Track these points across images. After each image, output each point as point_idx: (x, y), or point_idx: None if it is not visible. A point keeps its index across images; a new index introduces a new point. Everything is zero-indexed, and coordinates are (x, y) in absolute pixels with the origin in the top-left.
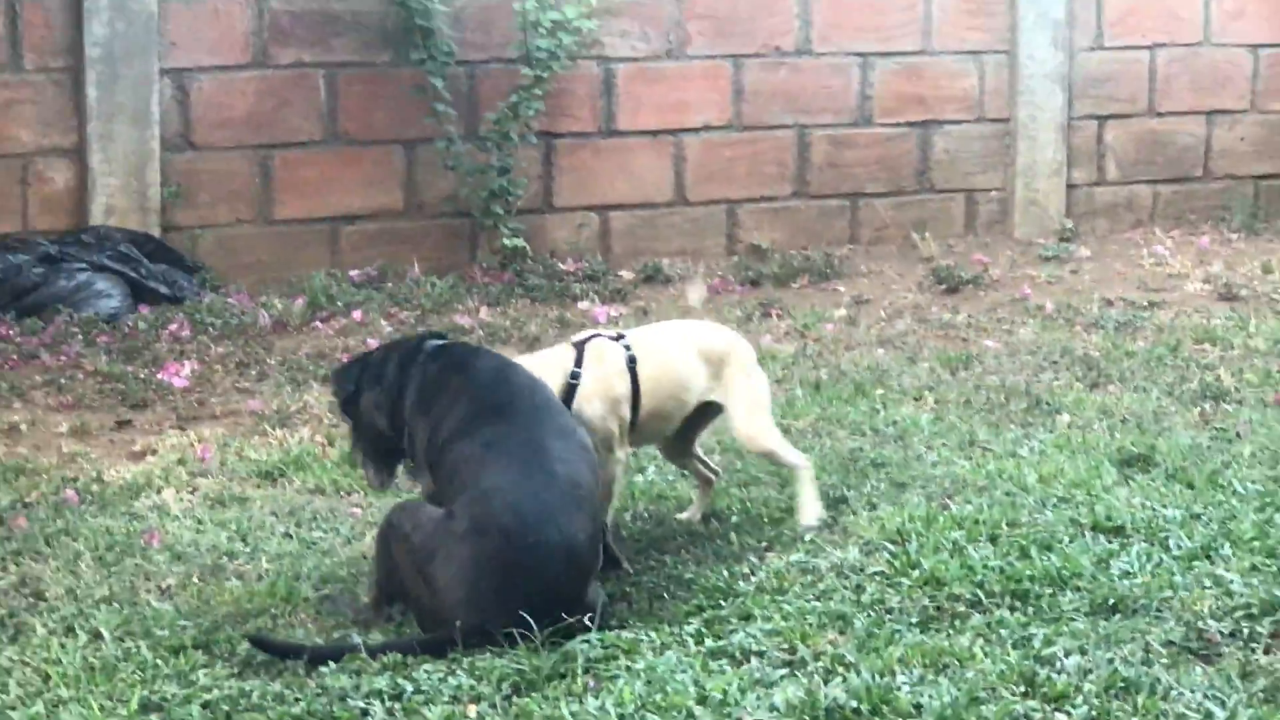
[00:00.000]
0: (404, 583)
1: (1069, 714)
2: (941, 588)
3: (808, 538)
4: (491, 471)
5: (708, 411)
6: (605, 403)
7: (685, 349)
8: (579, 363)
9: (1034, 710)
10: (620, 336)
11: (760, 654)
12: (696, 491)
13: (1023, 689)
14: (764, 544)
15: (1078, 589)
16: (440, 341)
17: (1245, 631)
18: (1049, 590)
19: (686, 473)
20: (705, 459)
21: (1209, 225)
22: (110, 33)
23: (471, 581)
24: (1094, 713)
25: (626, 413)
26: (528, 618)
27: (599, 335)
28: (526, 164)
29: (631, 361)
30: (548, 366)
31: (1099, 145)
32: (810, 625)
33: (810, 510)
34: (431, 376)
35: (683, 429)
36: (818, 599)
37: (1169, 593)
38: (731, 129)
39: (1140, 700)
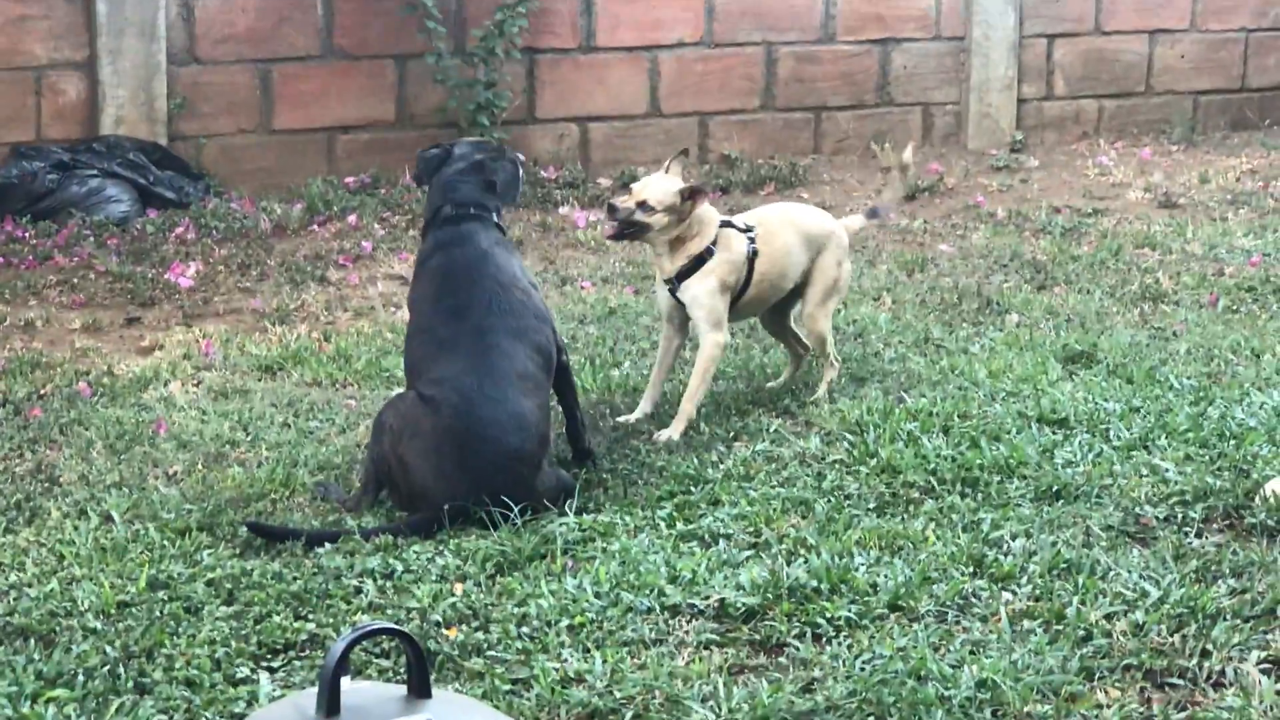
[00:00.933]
0: (390, 468)
1: (1014, 593)
2: (897, 475)
3: (824, 404)
4: (445, 364)
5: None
6: (721, 285)
7: (796, 239)
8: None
9: (982, 589)
10: (749, 229)
11: (727, 537)
12: (789, 364)
13: (971, 569)
14: (731, 434)
15: (1024, 477)
16: (462, 205)
17: (1179, 516)
18: (997, 478)
19: (781, 345)
20: (798, 333)
21: (1150, 138)
22: None
23: (432, 454)
24: (1038, 591)
25: (730, 298)
26: (485, 487)
27: (731, 223)
28: (511, 78)
29: (753, 254)
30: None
31: (1048, 62)
32: (774, 510)
33: (821, 390)
34: (429, 243)
35: (781, 303)
36: (781, 485)
37: (1109, 480)
38: (703, 45)
39: (1081, 580)
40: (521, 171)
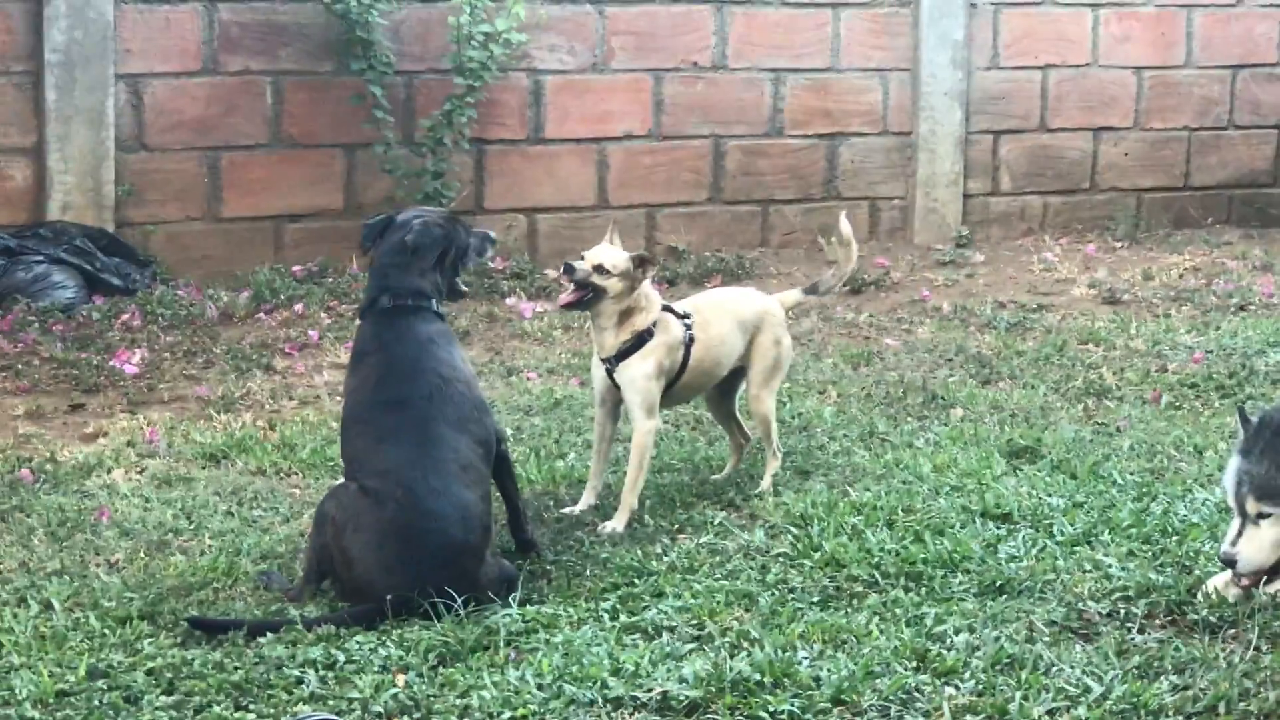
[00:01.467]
0: (332, 558)
1: (957, 688)
2: (841, 569)
3: (768, 497)
4: (387, 456)
5: (741, 373)
6: (658, 369)
7: (731, 325)
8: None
9: (925, 684)
10: (686, 316)
11: (671, 629)
12: (731, 455)
13: (915, 664)
14: (676, 526)
15: (967, 571)
16: (400, 296)
17: (1122, 612)
18: (941, 572)
19: (725, 434)
20: (741, 422)
21: (1095, 234)
22: (68, 39)
23: (376, 548)
24: (981, 686)
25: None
26: (429, 579)
27: (670, 308)
28: (459, 168)
29: (689, 340)
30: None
31: (994, 158)
32: (718, 603)
33: (765, 483)
34: (366, 333)
35: (726, 386)
36: (725, 578)
37: (1052, 575)
38: (652, 138)
39: (1024, 675)
40: (474, 240)
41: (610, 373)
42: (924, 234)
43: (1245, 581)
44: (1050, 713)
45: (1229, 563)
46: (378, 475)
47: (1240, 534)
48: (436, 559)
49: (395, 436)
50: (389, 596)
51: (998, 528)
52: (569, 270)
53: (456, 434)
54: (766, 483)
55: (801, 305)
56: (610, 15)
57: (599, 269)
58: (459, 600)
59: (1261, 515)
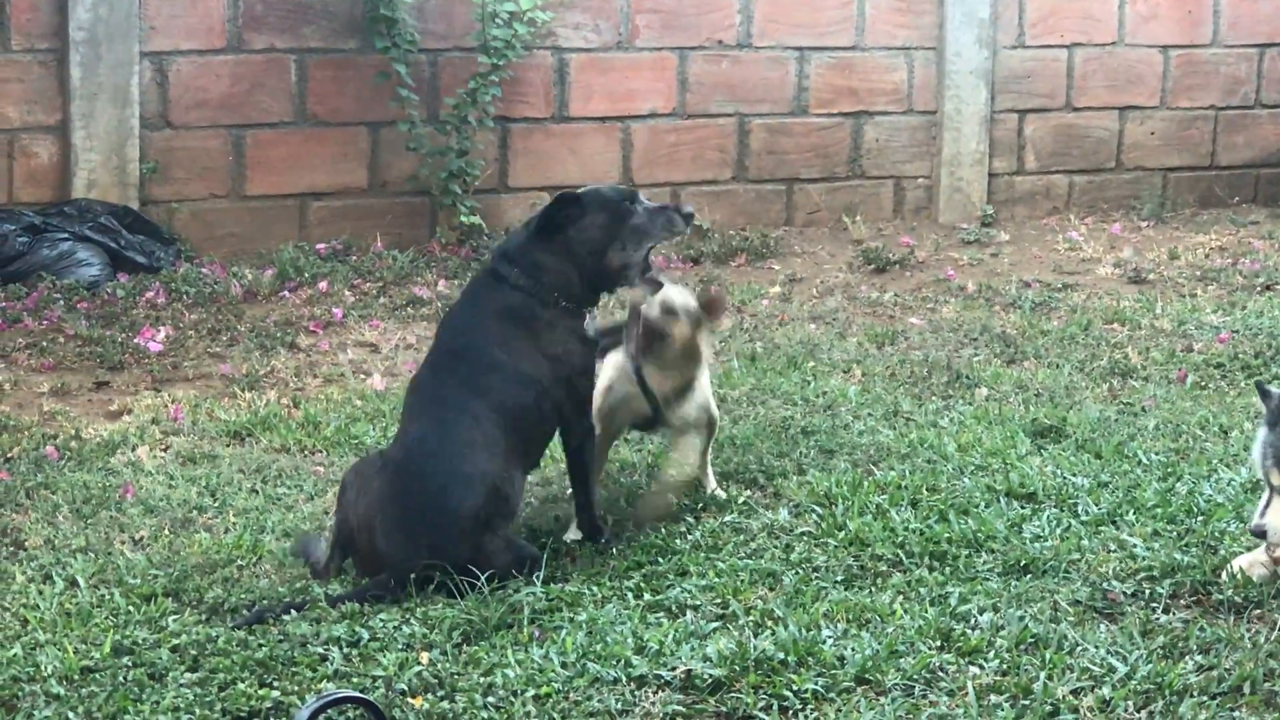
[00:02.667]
0: (349, 529)
1: (982, 667)
2: (865, 548)
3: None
4: (413, 425)
5: None
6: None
7: None
8: None
9: (949, 663)
10: None
11: (695, 608)
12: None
13: (939, 643)
14: (700, 505)
15: (992, 551)
16: (493, 266)
17: (1146, 592)
18: (965, 551)
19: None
20: None
21: (1120, 213)
22: (93, 17)
23: (377, 512)
24: (1005, 666)
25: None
26: (425, 544)
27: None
28: (483, 146)
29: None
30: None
31: (1019, 137)
32: (742, 581)
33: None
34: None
35: None
36: (749, 557)
37: (1076, 555)
38: (676, 116)
39: (1048, 655)
40: (647, 218)
41: (654, 405)
42: (949, 213)
43: (1278, 553)
44: (1074, 692)
45: (1259, 534)
46: (399, 442)
47: (1268, 505)
48: (430, 525)
49: (425, 405)
50: (400, 570)
51: (1022, 507)
52: (635, 315)
53: (488, 410)
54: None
55: None
56: None
57: (668, 309)
58: (461, 572)
59: None
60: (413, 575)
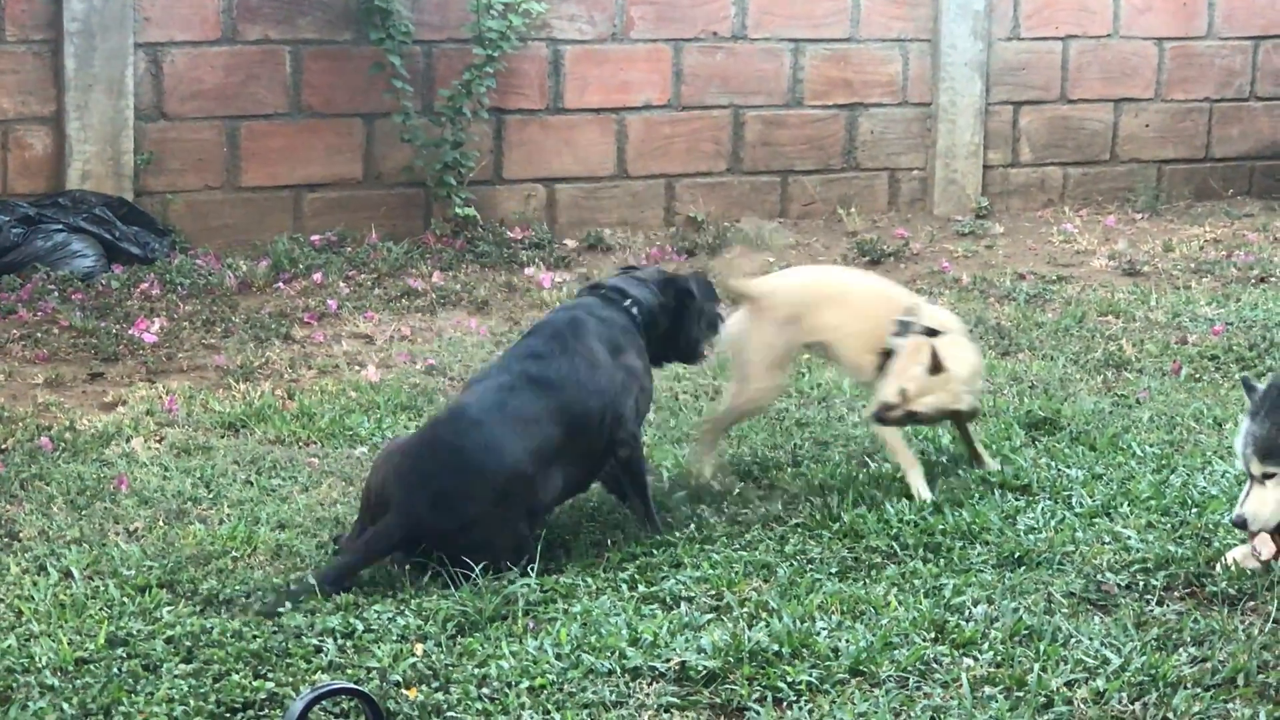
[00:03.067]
0: (373, 490)
1: (975, 659)
2: (859, 540)
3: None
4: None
5: None
6: None
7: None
8: None
9: (943, 655)
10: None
11: (689, 599)
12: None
13: (933, 635)
14: (695, 497)
15: (986, 543)
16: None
17: (1141, 584)
18: (959, 543)
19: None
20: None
21: (1115, 205)
22: (88, 7)
23: (401, 456)
24: (999, 658)
25: None
26: (436, 494)
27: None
28: (478, 138)
29: None
30: None
31: (1014, 129)
32: (736, 573)
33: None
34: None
35: None
36: (744, 549)
37: (1071, 547)
38: (671, 108)
39: (1042, 647)
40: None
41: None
42: (943, 205)
43: (1259, 544)
44: (1068, 684)
45: (1240, 525)
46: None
47: (1249, 495)
48: (449, 477)
49: (489, 385)
50: (402, 515)
51: (1016, 499)
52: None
53: (536, 394)
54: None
55: None
56: None
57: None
58: (450, 526)
59: (1267, 475)
60: (414, 525)
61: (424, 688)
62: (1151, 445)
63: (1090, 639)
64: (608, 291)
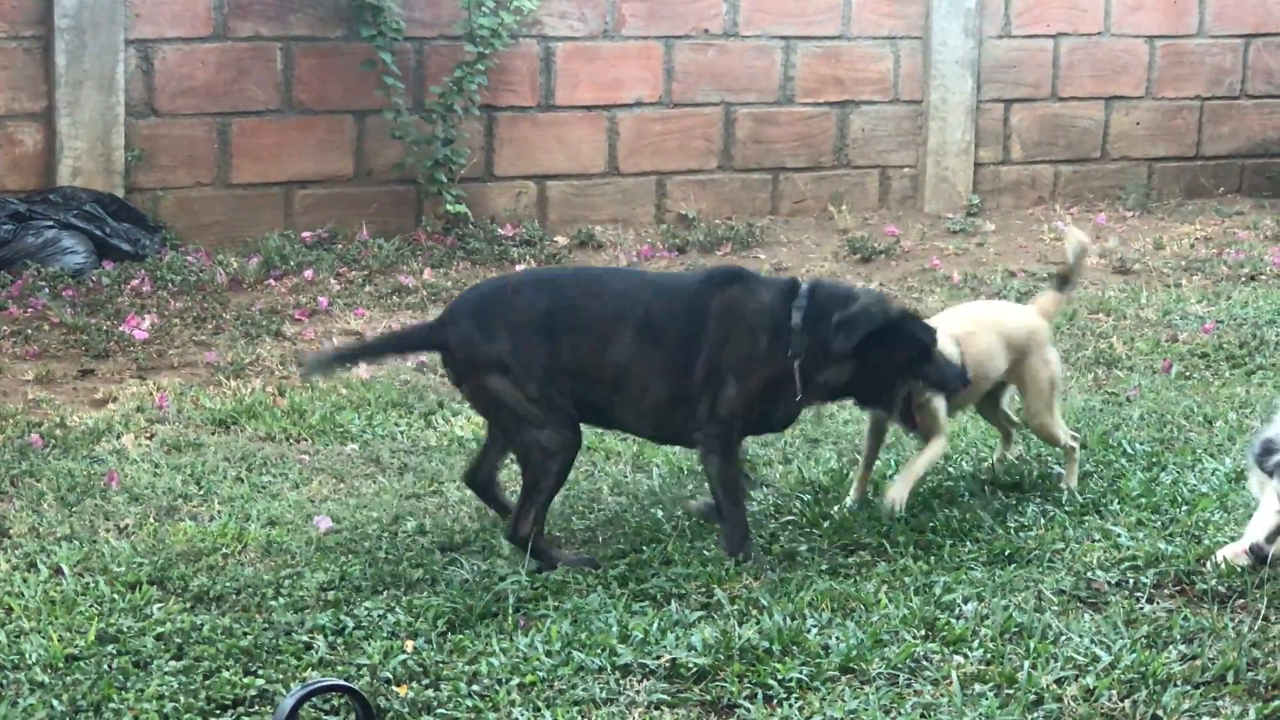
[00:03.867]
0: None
1: (966, 656)
2: (850, 537)
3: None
4: None
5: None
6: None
7: (995, 339)
8: None
9: (934, 652)
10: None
11: (680, 596)
12: (1000, 443)
13: (924, 632)
14: (686, 494)
15: (977, 540)
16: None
17: (1130, 581)
18: (950, 541)
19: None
20: (1008, 413)
21: (1105, 203)
22: (79, 4)
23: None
24: (989, 655)
25: None
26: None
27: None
28: (469, 135)
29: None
30: None
31: (1005, 127)
32: (726, 570)
33: (1071, 482)
34: None
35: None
36: None
37: (1061, 545)
38: (662, 105)
39: (1032, 644)
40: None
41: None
42: (934, 202)
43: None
44: (1058, 681)
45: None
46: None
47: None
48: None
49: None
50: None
51: (1007, 497)
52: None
53: (640, 338)
54: (1072, 482)
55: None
56: None
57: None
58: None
59: None
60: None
61: (414, 684)
62: (1142, 443)
63: (1080, 636)
64: (750, 278)
